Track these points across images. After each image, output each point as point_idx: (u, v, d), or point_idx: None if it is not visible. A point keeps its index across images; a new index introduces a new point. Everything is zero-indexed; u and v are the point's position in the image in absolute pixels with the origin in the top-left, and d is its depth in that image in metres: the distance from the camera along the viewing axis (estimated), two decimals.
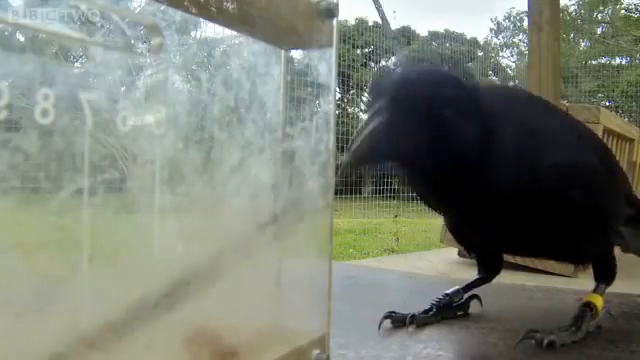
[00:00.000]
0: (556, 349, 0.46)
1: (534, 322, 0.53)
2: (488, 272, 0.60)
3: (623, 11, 9.68)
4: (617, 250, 0.56)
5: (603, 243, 0.53)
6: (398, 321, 0.53)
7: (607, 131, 0.92)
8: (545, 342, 0.46)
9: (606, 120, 0.91)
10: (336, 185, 0.34)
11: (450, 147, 0.44)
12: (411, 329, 0.52)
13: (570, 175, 0.47)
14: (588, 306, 0.51)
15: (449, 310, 0.57)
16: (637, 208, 0.57)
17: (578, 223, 0.49)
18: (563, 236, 0.50)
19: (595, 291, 0.53)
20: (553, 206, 0.47)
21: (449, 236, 0.57)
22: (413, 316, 0.53)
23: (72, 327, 0.22)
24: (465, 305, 0.58)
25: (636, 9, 9.48)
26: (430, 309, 0.55)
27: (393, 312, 0.53)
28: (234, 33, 0.30)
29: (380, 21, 4.43)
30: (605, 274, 0.54)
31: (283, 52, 0.33)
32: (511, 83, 12.37)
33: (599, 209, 0.50)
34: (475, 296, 0.59)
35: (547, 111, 0.54)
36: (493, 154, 0.45)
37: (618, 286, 0.55)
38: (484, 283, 0.59)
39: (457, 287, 0.58)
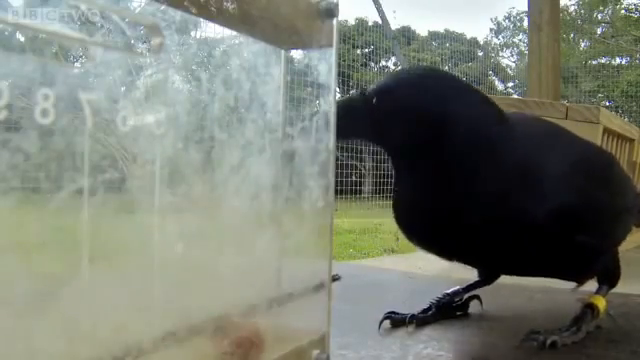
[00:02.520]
0: (558, 350, 0.46)
1: (534, 322, 0.53)
2: (489, 276, 0.60)
3: (623, 11, 9.68)
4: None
5: (609, 257, 0.53)
6: (398, 321, 0.53)
7: (607, 131, 0.92)
8: (548, 342, 0.46)
9: (606, 120, 0.91)
10: (336, 185, 0.34)
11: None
12: (411, 329, 0.52)
13: (573, 220, 0.45)
14: (589, 307, 0.50)
15: (449, 310, 0.57)
16: None
17: (586, 255, 0.48)
18: (570, 264, 0.49)
19: (597, 293, 0.53)
20: (558, 244, 0.46)
21: None
22: (413, 316, 0.53)
23: (72, 327, 0.22)
24: (465, 305, 0.58)
25: (636, 9, 9.48)
26: (429, 308, 0.55)
27: (393, 312, 0.53)
28: (234, 33, 0.30)
29: (380, 21, 4.43)
30: (608, 277, 0.53)
31: (283, 52, 0.33)
32: (511, 83, 12.37)
33: (606, 242, 0.51)
34: (475, 296, 0.59)
35: (555, 142, 0.50)
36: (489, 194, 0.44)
37: (618, 286, 0.55)
38: (485, 285, 0.59)
39: (458, 287, 0.58)
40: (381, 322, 0.52)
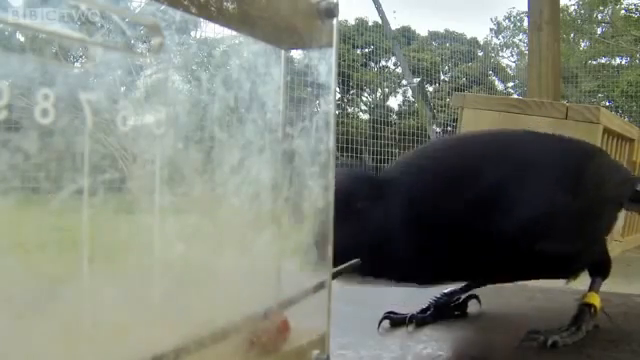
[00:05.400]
0: (558, 349, 0.46)
1: (534, 322, 0.53)
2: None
3: (623, 11, 9.68)
4: (616, 251, 0.56)
5: (596, 249, 0.52)
6: (397, 321, 0.53)
7: (607, 131, 0.92)
8: (549, 342, 0.46)
9: (606, 120, 0.91)
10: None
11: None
12: (410, 329, 0.52)
13: (535, 232, 0.44)
14: (587, 306, 0.51)
15: (447, 310, 0.57)
16: None
17: (566, 257, 0.48)
18: (553, 267, 0.49)
19: (592, 289, 0.52)
20: (533, 255, 0.45)
21: None
22: (412, 316, 0.53)
23: (72, 327, 0.22)
24: (463, 305, 0.58)
25: (636, 9, 9.47)
26: (428, 308, 0.55)
27: (392, 312, 0.53)
28: (234, 33, 0.30)
29: (380, 21, 4.43)
30: (599, 268, 0.53)
31: (283, 52, 0.33)
32: (511, 83, 12.37)
33: (585, 239, 0.49)
34: (474, 296, 0.59)
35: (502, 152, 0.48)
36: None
37: (618, 286, 0.55)
38: (483, 285, 0.59)
39: (455, 287, 0.58)
40: (380, 322, 0.52)
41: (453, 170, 0.45)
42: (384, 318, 0.53)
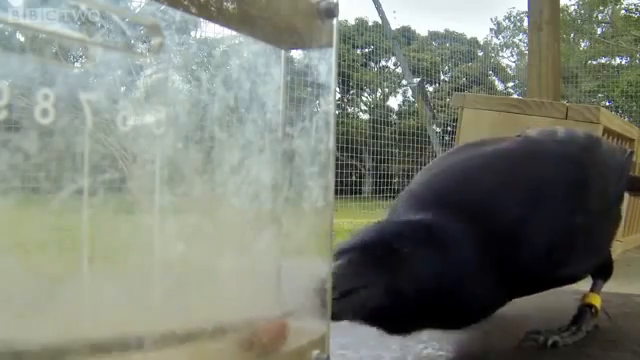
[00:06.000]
0: (558, 350, 0.46)
1: (534, 322, 0.53)
2: None
3: (623, 11, 9.68)
4: (616, 251, 0.56)
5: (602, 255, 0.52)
6: None
7: (607, 131, 0.92)
8: (549, 343, 0.46)
9: (606, 120, 0.91)
10: (336, 185, 0.34)
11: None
12: None
13: (559, 256, 0.43)
14: (588, 306, 0.50)
15: None
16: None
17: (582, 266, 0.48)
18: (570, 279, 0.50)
19: (593, 290, 0.52)
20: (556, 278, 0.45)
21: None
22: None
23: (72, 328, 0.22)
24: None
25: (636, 9, 9.47)
26: None
27: None
28: (234, 33, 0.30)
29: (380, 21, 4.43)
30: (603, 270, 0.53)
31: (283, 52, 0.33)
32: (511, 83, 12.35)
33: (599, 254, 0.49)
34: None
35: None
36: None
37: (618, 286, 0.55)
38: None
39: None
40: None
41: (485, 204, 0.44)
42: None
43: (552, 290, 0.57)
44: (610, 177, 0.52)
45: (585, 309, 0.50)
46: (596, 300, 0.51)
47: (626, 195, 0.64)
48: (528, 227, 0.43)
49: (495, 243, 0.41)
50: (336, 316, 0.34)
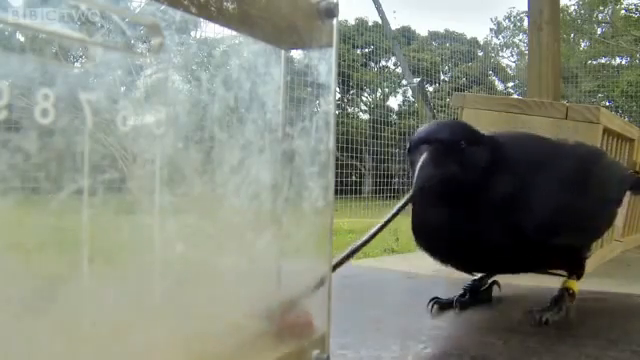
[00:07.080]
0: (557, 349, 0.47)
1: (533, 323, 0.53)
2: None
3: (623, 11, 9.68)
4: (616, 251, 0.58)
5: (584, 253, 0.60)
6: (445, 304, 0.59)
7: (607, 131, 0.92)
8: (543, 319, 0.53)
9: (606, 120, 0.90)
10: (336, 185, 0.35)
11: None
12: (457, 310, 0.58)
13: (556, 230, 0.52)
14: (566, 290, 0.57)
15: (478, 294, 0.62)
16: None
17: (575, 250, 0.58)
18: (561, 260, 0.58)
19: (570, 278, 0.59)
20: (549, 249, 0.53)
21: None
22: (457, 300, 0.59)
23: (72, 328, 0.22)
24: (489, 289, 0.64)
25: (636, 9, 9.47)
26: (464, 294, 0.61)
27: (437, 297, 0.59)
28: (234, 33, 0.30)
29: (380, 21, 4.43)
30: (576, 271, 0.59)
31: (283, 52, 0.33)
32: (511, 83, 12.35)
33: (590, 236, 0.60)
34: (495, 282, 0.65)
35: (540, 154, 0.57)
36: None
37: (618, 286, 0.55)
38: (499, 273, 0.65)
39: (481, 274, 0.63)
40: (431, 307, 0.58)
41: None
42: (434, 303, 0.58)
43: (551, 290, 0.58)
44: (611, 179, 0.63)
45: (563, 291, 0.57)
46: (573, 285, 0.58)
47: (626, 196, 0.74)
48: (545, 197, 0.52)
49: (518, 198, 0.51)
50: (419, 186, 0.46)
